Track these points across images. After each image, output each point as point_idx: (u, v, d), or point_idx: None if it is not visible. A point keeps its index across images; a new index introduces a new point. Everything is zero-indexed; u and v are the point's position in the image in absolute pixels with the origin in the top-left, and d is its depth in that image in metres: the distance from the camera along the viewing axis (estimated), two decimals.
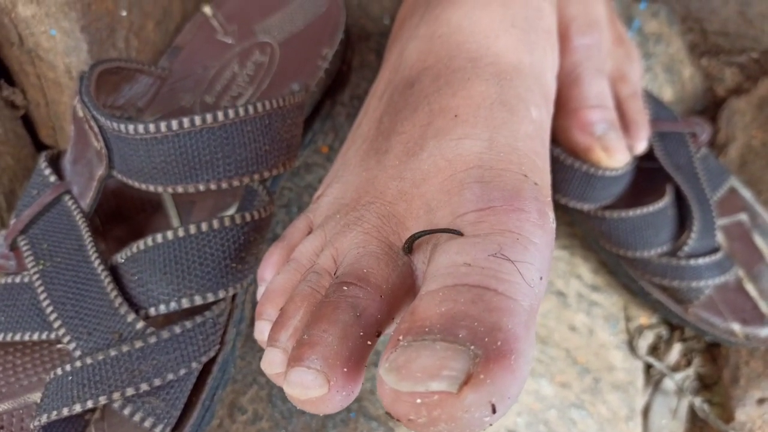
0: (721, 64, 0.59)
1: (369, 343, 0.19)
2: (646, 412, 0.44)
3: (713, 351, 0.46)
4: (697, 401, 0.44)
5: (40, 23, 0.37)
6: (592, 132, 0.37)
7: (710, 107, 0.58)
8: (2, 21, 0.38)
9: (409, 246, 0.20)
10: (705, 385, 0.46)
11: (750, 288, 0.43)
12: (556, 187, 0.40)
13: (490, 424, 0.16)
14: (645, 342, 0.44)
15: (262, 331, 0.22)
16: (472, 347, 0.16)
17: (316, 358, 0.18)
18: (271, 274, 0.24)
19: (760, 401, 0.43)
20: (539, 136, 0.23)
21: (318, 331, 0.18)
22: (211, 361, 0.28)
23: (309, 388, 0.18)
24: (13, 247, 0.31)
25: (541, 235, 0.19)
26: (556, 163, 0.39)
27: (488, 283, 0.17)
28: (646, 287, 0.43)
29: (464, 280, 0.17)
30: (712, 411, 0.44)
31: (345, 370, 0.18)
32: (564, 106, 0.38)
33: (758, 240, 0.45)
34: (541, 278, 0.19)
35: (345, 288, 0.19)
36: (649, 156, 0.44)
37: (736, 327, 0.42)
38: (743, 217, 0.46)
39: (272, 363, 0.20)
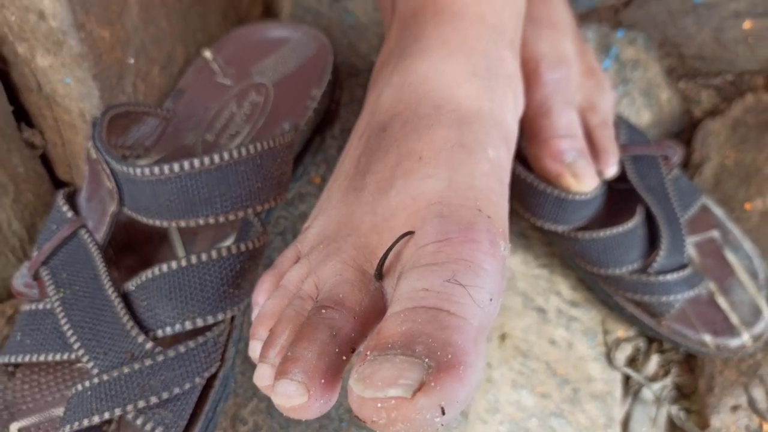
0: (698, 87, 0.62)
1: (344, 358, 0.22)
2: (626, 421, 0.47)
3: (691, 362, 0.49)
4: (674, 409, 0.46)
5: (56, 72, 0.41)
6: (562, 160, 0.40)
7: (687, 129, 0.61)
8: (23, 70, 0.42)
9: (379, 273, 0.23)
10: (683, 394, 0.48)
11: (721, 301, 0.46)
12: (532, 210, 0.43)
13: (442, 425, 0.19)
14: (622, 354, 0.47)
15: (255, 349, 0.25)
16: (427, 360, 0.19)
17: (298, 371, 0.21)
18: (264, 298, 0.28)
19: (734, 408, 0.45)
20: (496, 173, 0.26)
21: (300, 348, 0.21)
22: (213, 377, 0.32)
23: (292, 397, 0.21)
24: (36, 276, 0.34)
25: (492, 263, 0.22)
26: (530, 189, 0.43)
27: (442, 305, 0.20)
28: (621, 302, 0.46)
29: (422, 303, 0.21)
30: (690, 418, 0.47)
31: (323, 381, 0.21)
32: (536, 137, 0.41)
33: (729, 255, 0.47)
34: (491, 300, 0.22)
35: (323, 311, 0.23)
36: (623, 178, 0.47)
37: (708, 338, 0.45)
38: (715, 233, 0.48)
39: (262, 377, 0.23)
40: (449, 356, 0.19)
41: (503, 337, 0.45)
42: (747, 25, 0.61)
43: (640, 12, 0.62)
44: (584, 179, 0.41)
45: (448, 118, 0.27)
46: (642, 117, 0.58)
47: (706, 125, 0.58)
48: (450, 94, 0.28)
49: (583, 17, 0.62)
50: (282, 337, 0.23)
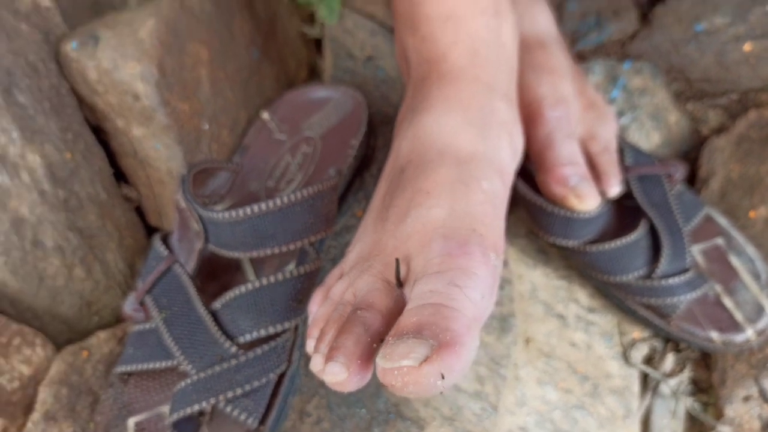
0: (705, 107, 0.67)
1: (374, 345, 0.29)
2: (648, 414, 0.52)
3: (706, 359, 0.54)
4: (689, 402, 0.51)
5: (148, 140, 0.51)
6: (566, 184, 0.47)
7: (696, 147, 0.66)
8: (121, 140, 0.52)
9: (398, 282, 0.31)
10: (700, 389, 0.53)
11: (727, 301, 0.51)
12: (545, 229, 0.50)
13: (444, 387, 0.26)
14: (638, 353, 0.52)
15: (310, 346, 0.33)
16: (431, 340, 0.26)
17: (340, 355, 0.29)
18: (316, 307, 0.36)
19: (746, 398, 0.50)
20: (489, 201, 0.34)
21: (341, 339, 0.29)
22: (283, 375, 0.40)
23: (337, 374, 0.29)
24: (142, 303, 0.43)
25: (483, 269, 0.30)
26: (541, 211, 0.49)
27: (443, 302, 0.28)
28: (632, 306, 0.51)
29: (429, 301, 0.28)
30: (706, 410, 0.51)
31: (359, 362, 0.29)
32: (543, 166, 0.48)
33: (733, 260, 0.53)
34: (482, 297, 0.29)
35: (358, 312, 0.30)
36: (632, 196, 0.53)
37: (714, 335, 0.50)
38: (719, 241, 0.54)
39: (316, 364, 0.31)
40: (448, 338, 0.27)
41: (528, 341, 0.51)
42: (747, 47, 0.66)
43: (644, 44, 0.69)
44: (586, 199, 0.47)
45: (449, 161, 0.35)
46: (652, 139, 0.64)
47: (712, 142, 0.63)
48: (450, 141, 0.36)
49: (592, 53, 0.69)
50: (329, 334, 0.31)
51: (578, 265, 0.53)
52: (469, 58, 0.38)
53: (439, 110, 0.37)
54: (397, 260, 0.31)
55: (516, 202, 0.53)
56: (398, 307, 0.31)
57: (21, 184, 0.47)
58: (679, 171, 0.55)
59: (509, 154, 0.39)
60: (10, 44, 0.49)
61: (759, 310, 0.50)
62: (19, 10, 0.52)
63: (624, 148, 0.55)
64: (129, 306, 0.44)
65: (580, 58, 0.68)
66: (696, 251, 0.53)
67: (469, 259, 0.30)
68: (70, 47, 0.50)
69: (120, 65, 0.49)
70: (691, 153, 0.65)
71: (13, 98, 0.47)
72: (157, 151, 0.51)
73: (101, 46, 0.49)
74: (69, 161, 0.49)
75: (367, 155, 0.52)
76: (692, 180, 0.62)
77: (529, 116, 0.48)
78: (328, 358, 0.29)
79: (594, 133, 0.51)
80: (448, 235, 0.31)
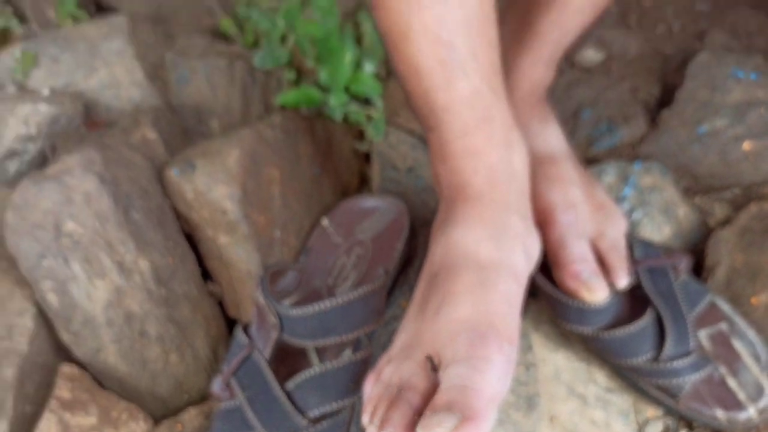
0: (711, 201, 0.75)
1: (416, 417, 0.38)
2: None
3: None
4: None
5: (231, 247, 0.63)
6: (578, 279, 0.56)
7: (705, 238, 0.73)
8: (210, 245, 0.64)
9: (433, 368, 0.40)
10: None
11: (731, 382, 0.57)
12: (562, 317, 0.58)
13: None
14: (653, 430, 0.58)
15: (366, 419, 0.42)
16: (458, 413, 0.35)
17: (389, 427, 0.38)
18: (370, 388, 0.45)
19: None
20: (505, 300, 0.43)
21: (390, 414, 0.38)
22: None
23: None
24: (227, 384, 0.53)
25: (499, 357, 0.39)
26: (558, 302, 0.58)
27: (466, 383, 0.37)
28: (644, 386, 0.58)
29: (456, 383, 0.37)
30: None
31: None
32: (558, 264, 0.57)
33: (736, 344, 0.59)
34: (499, 379, 0.38)
35: (403, 392, 0.39)
36: (641, 286, 0.61)
37: (719, 413, 0.56)
38: (723, 326, 0.60)
39: None
40: (470, 413, 0.35)
41: (552, 419, 0.58)
42: (746, 146, 0.74)
43: (653, 146, 0.78)
44: (596, 292, 0.56)
45: (472, 268, 0.44)
46: (663, 232, 0.72)
47: (717, 234, 0.70)
48: (473, 251, 0.46)
49: (605, 155, 0.79)
50: (381, 410, 0.40)
51: (594, 349, 0.60)
52: (487, 185, 0.49)
53: (464, 226, 0.47)
54: (429, 357, 0.41)
55: (539, 294, 0.62)
56: (434, 387, 0.40)
57: (134, 285, 0.58)
58: (684, 262, 0.62)
59: (522, 260, 0.48)
60: (128, 172, 0.62)
61: (760, 390, 0.56)
62: (133, 143, 0.66)
63: (633, 242, 0.64)
64: (217, 386, 0.54)
65: (595, 160, 0.78)
66: (702, 335, 0.59)
67: (488, 349, 0.39)
68: (173, 174, 0.63)
69: (212, 188, 0.61)
70: (699, 244, 0.72)
71: (130, 217, 0.60)
72: (239, 255, 0.63)
73: (197, 172, 0.62)
74: (171, 265, 0.61)
75: (410, 257, 0.62)
76: (701, 269, 0.69)
77: (544, 221, 0.58)
78: (380, 428, 0.38)
79: (603, 232, 0.60)
80: (471, 329, 0.40)
